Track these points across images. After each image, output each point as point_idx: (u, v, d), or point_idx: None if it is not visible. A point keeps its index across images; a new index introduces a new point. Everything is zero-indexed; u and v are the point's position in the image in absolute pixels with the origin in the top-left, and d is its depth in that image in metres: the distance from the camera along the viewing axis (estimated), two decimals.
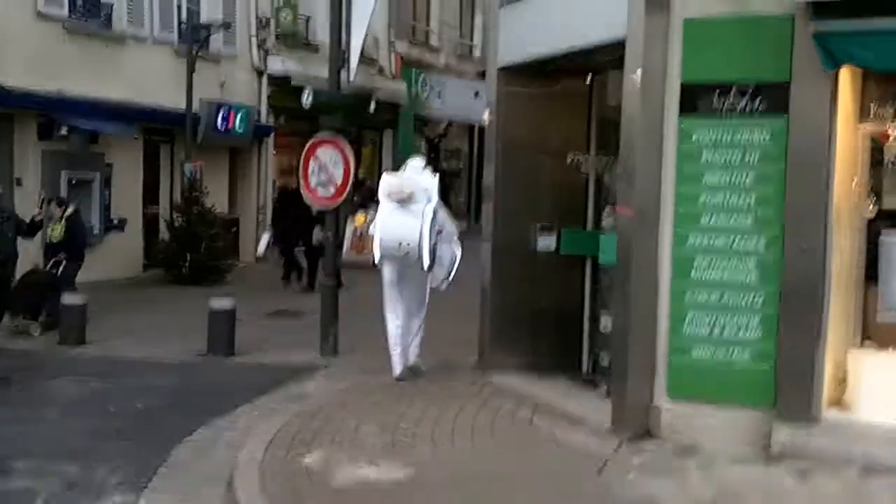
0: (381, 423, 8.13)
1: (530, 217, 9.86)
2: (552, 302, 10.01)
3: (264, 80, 21.89)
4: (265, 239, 17.89)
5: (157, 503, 6.66)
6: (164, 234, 18.68)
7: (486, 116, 9.95)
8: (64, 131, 16.14)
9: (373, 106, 18.32)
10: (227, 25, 19.45)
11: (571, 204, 10.05)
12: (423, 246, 9.24)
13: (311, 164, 11.39)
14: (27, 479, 7.01)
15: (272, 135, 22.33)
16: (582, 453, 7.31)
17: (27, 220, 11.79)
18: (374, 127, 26.55)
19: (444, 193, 28.79)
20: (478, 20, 32.03)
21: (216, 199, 19.24)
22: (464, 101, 30.35)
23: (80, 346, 12.04)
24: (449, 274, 9.89)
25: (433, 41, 29.66)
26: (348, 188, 11.29)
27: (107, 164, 17.57)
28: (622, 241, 7.75)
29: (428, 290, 10.08)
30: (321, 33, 23.82)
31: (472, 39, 31.94)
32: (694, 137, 7.43)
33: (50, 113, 16.10)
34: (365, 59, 25.94)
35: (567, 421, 8.18)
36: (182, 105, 18.28)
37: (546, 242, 9.86)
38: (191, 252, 17.90)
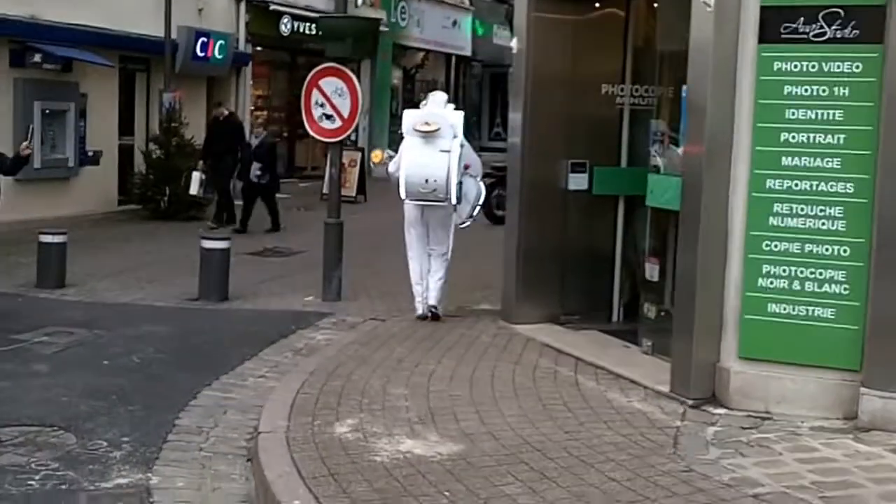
0: (410, 384, 7.31)
1: (561, 154, 9.03)
2: (582, 246, 9.25)
3: (242, 6, 20.69)
4: (197, 177, 16.54)
5: (170, 482, 5.80)
6: (140, 166, 17.60)
7: (513, 43, 9.02)
8: (37, 58, 15.00)
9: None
10: None
11: (604, 140, 9.22)
12: (451, 182, 8.84)
13: (314, 95, 10.41)
14: (16, 453, 6.11)
15: (250, 64, 21.16)
16: (644, 421, 6.53)
17: (9, 155, 10.51)
18: (350, 57, 25.35)
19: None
20: None
21: (194, 130, 18.16)
22: (442, 30, 29.27)
23: (60, 290, 11.10)
24: (473, 210, 9.42)
25: None
26: (356, 121, 10.34)
27: (81, 94, 16.40)
28: (688, 182, 6.91)
29: (453, 229, 9.44)
30: None
31: None
32: (775, 68, 6.56)
33: (22, 39, 14.97)
34: None
35: (616, 381, 7.42)
36: (158, 32, 17.13)
37: (578, 181, 9.04)
38: (169, 186, 16.89)
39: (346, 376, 7.55)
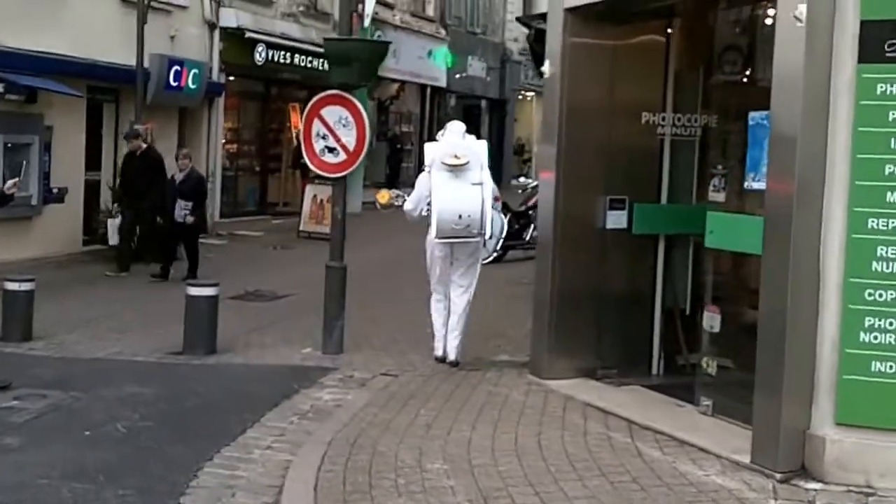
0: (448, 457, 6.32)
1: (598, 189, 8.12)
2: (619, 290, 8.34)
3: (216, 33, 19.68)
4: (113, 225, 15.04)
5: None
6: (107, 203, 16.43)
7: (545, 68, 8.12)
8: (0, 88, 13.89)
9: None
10: None
11: (644, 173, 8.34)
12: (485, 216, 8.37)
13: (315, 126, 9.42)
14: None
15: (223, 94, 20.13)
16: (732, 501, 5.59)
17: None
18: (326, 87, 24.42)
19: (397, 161, 26.97)
20: None
21: (167, 165, 17.05)
22: (417, 60, 28.44)
23: (27, 343, 9.96)
24: (497, 244, 9.09)
25: None
26: (363, 153, 9.35)
27: (46, 127, 15.23)
28: (773, 222, 6.00)
29: (479, 266, 8.97)
30: None
31: None
32: (879, 91, 5.70)
33: None
34: (318, 13, 24.02)
35: (682, 449, 6.47)
36: (128, 60, 16.01)
37: (616, 219, 8.13)
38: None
39: (371, 447, 6.53)
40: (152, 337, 10.36)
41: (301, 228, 19.64)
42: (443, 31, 29.70)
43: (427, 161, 8.64)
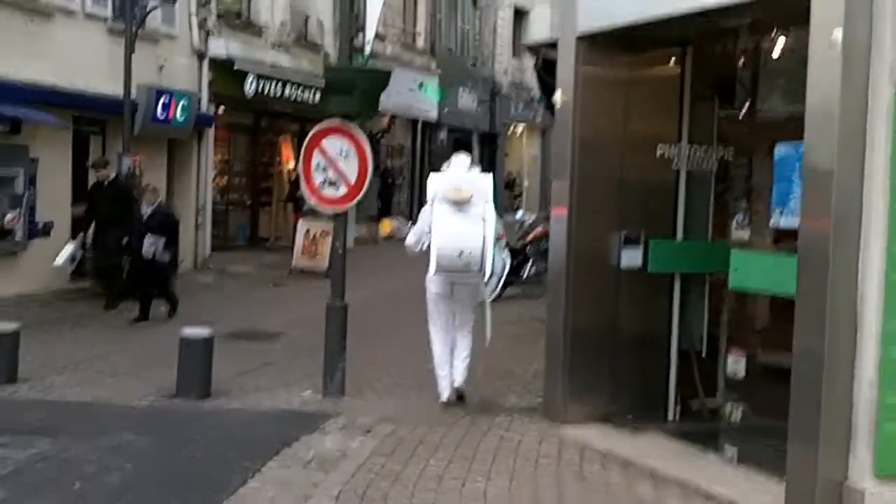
0: None
1: (612, 224, 7.80)
2: (634, 331, 7.99)
3: (205, 63, 19.37)
4: (68, 249, 14.10)
5: None
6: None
7: (556, 97, 7.82)
8: None
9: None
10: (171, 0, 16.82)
11: (659, 208, 8.02)
12: (486, 254, 7.97)
13: (315, 158, 9.08)
14: None
15: (213, 126, 19.79)
16: None
17: None
18: (318, 119, 24.11)
19: (388, 195, 26.58)
20: (421, 6, 29.87)
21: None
22: (409, 93, 28.19)
23: (12, 387, 9.53)
24: (498, 284, 8.60)
25: (377, 27, 27.24)
26: (365, 186, 9.00)
27: (31, 159, 14.84)
28: (808, 260, 5.68)
29: (488, 306, 8.51)
30: (264, 14, 21.49)
31: (415, 27, 29.70)
32: None
33: None
34: (308, 44, 23.75)
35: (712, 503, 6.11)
36: (115, 90, 15.64)
37: (631, 256, 7.80)
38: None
39: (383, 501, 6.14)
40: (143, 380, 9.95)
41: (293, 264, 19.24)
42: (433, 64, 29.48)
43: (430, 194, 8.35)
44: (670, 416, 8.06)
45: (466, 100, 32.58)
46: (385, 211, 27.30)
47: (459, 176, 8.33)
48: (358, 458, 7.17)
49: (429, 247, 8.31)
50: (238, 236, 21.69)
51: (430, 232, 8.29)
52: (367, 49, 9.44)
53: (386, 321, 13.19)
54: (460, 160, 8.55)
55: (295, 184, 22.63)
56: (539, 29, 30.95)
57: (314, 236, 19.25)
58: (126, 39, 15.47)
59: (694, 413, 8.06)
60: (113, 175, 14.85)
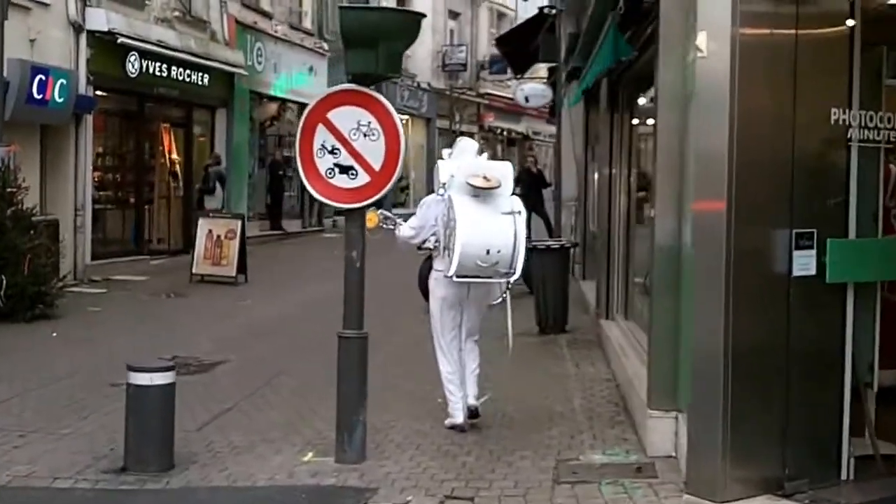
0: None
1: (780, 220, 5.61)
2: (805, 360, 5.80)
3: (83, 37, 16.31)
4: None
5: None
6: None
7: (700, 41, 5.56)
8: None
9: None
10: None
11: (832, 195, 5.86)
12: (518, 252, 6.87)
13: (319, 136, 6.58)
14: None
15: (93, 110, 16.74)
16: None
17: None
18: (205, 104, 21.32)
19: (279, 189, 24.06)
20: None
21: (34, 197, 13.74)
22: (298, 77, 25.54)
23: None
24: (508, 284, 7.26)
25: (265, 4, 24.48)
26: (396, 173, 6.53)
27: None
28: None
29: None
30: None
31: (301, 5, 26.94)
32: None
33: None
34: (194, 20, 20.86)
35: None
36: None
37: (804, 261, 5.63)
38: (5, 273, 12.35)
39: None
40: (66, 440, 7.28)
41: (194, 271, 16.43)
42: (324, 46, 26.84)
43: (442, 179, 7.26)
44: (843, 474, 5.93)
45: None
46: (275, 207, 24.55)
47: (480, 162, 7.39)
48: None
49: (437, 243, 7.37)
50: (123, 240, 18.63)
51: (435, 226, 7.36)
52: None
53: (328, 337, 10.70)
54: (468, 145, 7.63)
55: (205, 182, 19.86)
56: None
57: (218, 238, 16.48)
58: None
59: (863, 461, 5.99)
60: None
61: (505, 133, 42.66)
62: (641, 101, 9.75)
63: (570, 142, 17.40)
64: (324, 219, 27.51)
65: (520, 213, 6.96)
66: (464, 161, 7.33)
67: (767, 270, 5.57)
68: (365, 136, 6.51)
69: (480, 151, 7.87)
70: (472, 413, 7.44)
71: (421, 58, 35.81)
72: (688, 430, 5.73)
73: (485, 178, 6.93)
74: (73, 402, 8.35)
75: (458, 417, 7.35)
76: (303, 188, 26.21)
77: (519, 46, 21.04)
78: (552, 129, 25.85)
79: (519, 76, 23.92)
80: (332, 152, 6.56)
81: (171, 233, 20.18)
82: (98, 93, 16.92)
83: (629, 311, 10.86)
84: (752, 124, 5.46)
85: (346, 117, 6.53)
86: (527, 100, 18.76)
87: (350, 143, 6.53)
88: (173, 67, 18.84)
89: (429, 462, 6.63)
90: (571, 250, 12.82)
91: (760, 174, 5.51)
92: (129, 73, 17.54)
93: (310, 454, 6.84)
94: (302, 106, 26.22)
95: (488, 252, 6.78)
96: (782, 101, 5.54)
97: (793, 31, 5.54)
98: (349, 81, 6.64)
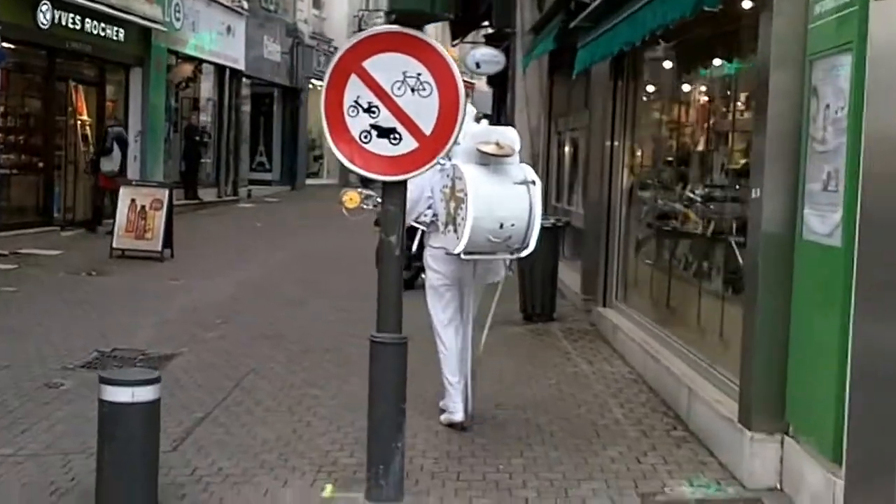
0: None
1: None
2: None
3: None
4: None
5: None
6: None
7: None
8: None
9: None
10: None
11: None
12: (533, 226, 6.30)
13: (352, 89, 5.22)
14: None
15: (3, 63, 14.89)
16: None
17: None
18: (120, 62, 19.46)
19: (195, 156, 22.39)
20: None
21: None
22: (218, 37, 23.82)
23: None
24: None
25: None
26: (453, 136, 5.23)
27: None
28: None
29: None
30: None
31: None
32: None
33: None
34: None
35: None
36: None
37: None
38: None
39: None
40: (7, 466, 5.82)
41: (115, 245, 14.76)
42: (244, 4, 25.08)
43: (453, 150, 6.01)
44: None
45: (272, 50, 28.34)
46: (191, 174, 22.78)
47: (489, 128, 6.87)
48: None
49: (435, 218, 6.58)
50: (30, 209, 16.77)
51: (431, 198, 6.59)
52: None
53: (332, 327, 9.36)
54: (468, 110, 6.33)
55: (100, 147, 17.98)
56: None
57: (142, 208, 14.83)
58: None
59: None
60: None
61: None
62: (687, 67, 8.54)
63: (525, 111, 16.25)
64: (239, 188, 25.90)
65: (534, 182, 6.29)
66: (470, 126, 6.36)
67: None
68: (413, 90, 5.18)
69: (479, 118, 7.15)
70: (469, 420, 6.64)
71: (337, 21, 34.27)
72: (845, 487, 4.56)
73: (497, 144, 6.26)
74: (6, 411, 6.85)
75: (457, 414, 6.57)
76: (219, 154, 24.67)
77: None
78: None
79: (454, 42, 22.61)
80: (368, 111, 5.21)
81: (83, 202, 18.35)
82: (5, 44, 15.05)
83: (629, 298, 9.82)
84: None
85: (388, 67, 5.18)
86: (478, 65, 17.43)
87: (393, 100, 5.19)
88: (87, 20, 17.04)
89: (481, 499, 5.38)
90: (562, 229, 11.63)
91: None
92: (41, 24, 15.70)
93: (328, 488, 5.53)
94: (220, 68, 24.62)
95: (501, 226, 6.16)
96: None
97: None
98: (391, 23, 5.29)
